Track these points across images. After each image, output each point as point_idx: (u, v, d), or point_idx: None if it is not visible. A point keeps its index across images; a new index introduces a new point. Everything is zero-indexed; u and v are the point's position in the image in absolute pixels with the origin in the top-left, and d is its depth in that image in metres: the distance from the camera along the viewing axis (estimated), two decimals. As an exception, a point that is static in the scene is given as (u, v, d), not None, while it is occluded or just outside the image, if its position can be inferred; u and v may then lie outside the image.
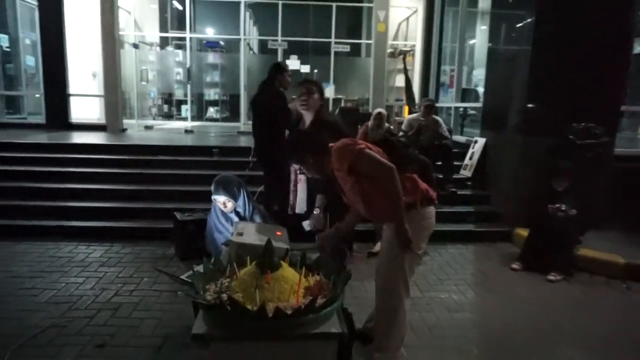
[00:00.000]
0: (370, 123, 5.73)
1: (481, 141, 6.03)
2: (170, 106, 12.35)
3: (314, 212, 2.84)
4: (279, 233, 2.36)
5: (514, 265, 4.35)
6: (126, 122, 9.35)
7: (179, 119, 11.75)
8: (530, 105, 5.14)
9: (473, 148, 6.14)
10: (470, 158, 6.10)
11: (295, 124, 3.50)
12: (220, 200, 2.97)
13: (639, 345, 3.08)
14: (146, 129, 9.49)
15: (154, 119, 11.63)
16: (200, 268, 3.01)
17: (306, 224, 2.85)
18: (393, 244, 2.36)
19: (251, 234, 2.23)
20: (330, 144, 2.39)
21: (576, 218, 4.28)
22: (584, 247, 4.46)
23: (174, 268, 4.09)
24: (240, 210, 3.01)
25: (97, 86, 10.65)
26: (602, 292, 3.94)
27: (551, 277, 4.07)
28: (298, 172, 3.10)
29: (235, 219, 2.98)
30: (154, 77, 11.53)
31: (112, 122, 8.51)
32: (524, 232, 4.72)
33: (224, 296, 1.63)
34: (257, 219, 2.98)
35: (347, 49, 10.33)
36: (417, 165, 4.27)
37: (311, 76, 10.69)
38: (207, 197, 5.24)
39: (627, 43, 5.32)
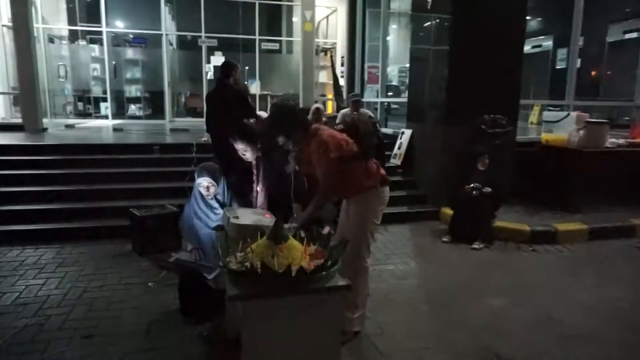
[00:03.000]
0: (309, 117, 6.15)
1: (408, 132, 6.73)
2: (85, 104, 11.74)
3: (295, 216, 3.09)
4: (267, 215, 2.69)
5: (444, 239, 5.05)
6: (40, 121, 8.77)
7: (98, 117, 11.21)
8: (449, 100, 5.87)
9: (401, 139, 6.82)
10: (399, 148, 6.77)
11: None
12: (204, 183, 3.16)
13: (543, 289, 3.87)
14: (67, 128, 9.00)
15: (67, 117, 10.98)
16: (180, 255, 3.25)
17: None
18: (359, 214, 2.84)
19: (245, 217, 2.52)
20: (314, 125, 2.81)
21: (491, 195, 5.08)
22: (498, 219, 5.29)
23: (135, 263, 4.18)
24: (220, 197, 3.24)
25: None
26: (514, 254, 4.76)
27: (475, 246, 4.81)
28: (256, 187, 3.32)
29: (216, 205, 3.20)
30: (67, 74, 10.88)
31: (31, 121, 7.97)
32: (449, 211, 5.45)
33: (248, 264, 1.94)
34: (235, 205, 3.23)
35: (277, 46, 10.62)
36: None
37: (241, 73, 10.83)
38: (154, 194, 5.37)
39: (520, 44, 6.27)
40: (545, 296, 3.73)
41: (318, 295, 1.91)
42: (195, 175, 3.22)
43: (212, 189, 3.17)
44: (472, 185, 5.16)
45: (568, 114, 6.47)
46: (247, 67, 10.65)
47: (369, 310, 3.20)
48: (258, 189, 3.33)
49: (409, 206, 5.99)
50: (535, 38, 14.12)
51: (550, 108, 8.97)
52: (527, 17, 7.02)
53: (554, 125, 6.47)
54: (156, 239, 4.31)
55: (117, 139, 7.52)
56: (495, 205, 5.25)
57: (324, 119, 6.28)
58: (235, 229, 2.39)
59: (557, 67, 12.65)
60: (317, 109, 6.21)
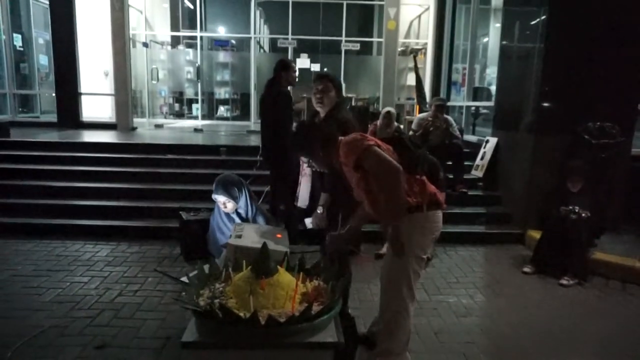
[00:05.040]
0: (379, 122, 5.63)
1: (493, 141, 5.90)
2: (181, 105, 12.41)
3: (317, 211, 2.76)
4: (278, 235, 2.30)
5: (526, 269, 4.24)
6: (137, 120, 9.39)
7: (190, 117, 11.78)
8: (544, 104, 5.00)
9: (484, 148, 6.02)
10: (482, 158, 5.97)
11: (311, 119, 3.37)
12: (220, 200, 2.92)
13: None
14: (156, 128, 9.53)
15: (165, 117, 11.68)
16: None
17: (308, 222, 2.78)
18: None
19: (250, 237, 2.17)
20: (340, 137, 2.36)
21: (590, 220, 4.14)
22: (599, 250, 4.33)
23: (178, 268, 4.06)
24: (242, 211, 2.95)
25: (109, 85, 10.76)
26: (617, 297, 3.80)
27: (564, 282, 3.94)
28: (306, 164, 3.00)
29: (238, 220, 2.92)
30: (165, 76, 11.58)
31: (122, 120, 8.55)
32: (536, 235, 4.60)
33: (216, 302, 1.58)
34: (260, 220, 2.92)
35: (357, 47, 10.23)
36: (427, 166, 4.15)
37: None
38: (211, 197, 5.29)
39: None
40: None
41: (294, 351, 1.47)
42: (213, 188, 2.97)
43: (229, 205, 2.89)
44: (569, 206, 4.25)
45: None
46: (325, 69, 10.39)
47: (412, 354, 2.66)
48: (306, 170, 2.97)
49: (488, 226, 5.21)
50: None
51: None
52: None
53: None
54: (201, 244, 4.15)
55: (191, 140, 7.68)
56: (594, 232, 4.29)
57: (395, 124, 5.74)
58: (232, 251, 2.04)
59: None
60: (388, 112, 5.65)
